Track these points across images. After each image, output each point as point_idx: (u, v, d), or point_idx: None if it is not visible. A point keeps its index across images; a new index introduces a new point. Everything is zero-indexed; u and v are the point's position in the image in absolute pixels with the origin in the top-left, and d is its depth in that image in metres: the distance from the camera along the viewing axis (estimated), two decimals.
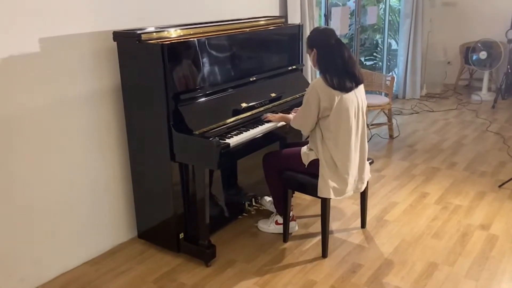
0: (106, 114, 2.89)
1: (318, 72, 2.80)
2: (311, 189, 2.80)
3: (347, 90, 2.67)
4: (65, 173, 2.73)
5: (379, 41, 7.35)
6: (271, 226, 3.20)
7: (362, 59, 7.23)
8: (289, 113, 3.11)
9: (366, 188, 3.04)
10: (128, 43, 2.70)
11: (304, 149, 2.86)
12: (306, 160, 2.80)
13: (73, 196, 2.79)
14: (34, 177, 2.58)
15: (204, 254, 2.84)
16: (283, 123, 3.00)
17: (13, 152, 2.47)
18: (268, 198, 3.41)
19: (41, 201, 2.63)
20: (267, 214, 3.34)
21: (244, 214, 3.37)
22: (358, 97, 2.75)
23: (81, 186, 2.83)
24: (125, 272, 2.81)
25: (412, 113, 5.99)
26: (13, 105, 2.43)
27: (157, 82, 2.62)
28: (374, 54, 7.45)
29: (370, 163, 3.02)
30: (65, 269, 2.82)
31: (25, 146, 2.51)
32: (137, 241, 3.12)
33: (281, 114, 3.04)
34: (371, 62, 7.37)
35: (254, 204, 3.43)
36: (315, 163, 2.76)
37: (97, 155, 2.89)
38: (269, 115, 3.03)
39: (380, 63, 7.24)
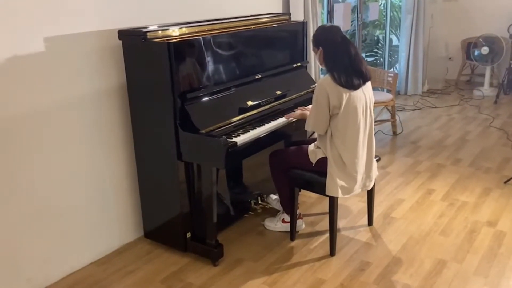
0: (111, 113, 2.87)
1: (321, 69, 2.78)
2: (319, 187, 2.79)
3: (355, 87, 2.65)
4: (70, 173, 2.71)
5: (380, 37, 7.34)
6: (277, 225, 3.18)
7: (363, 55, 7.21)
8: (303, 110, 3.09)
9: (373, 185, 3.03)
10: (134, 42, 2.68)
11: (311, 147, 2.85)
12: (313, 158, 2.79)
13: (79, 196, 2.78)
14: (39, 178, 2.56)
15: (211, 254, 2.82)
16: (293, 119, 2.99)
17: (18, 152, 2.45)
18: (274, 196, 3.40)
19: (47, 201, 2.61)
20: (273, 213, 3.32)
21: (250, 212, 3.36)
22: (365, 94, 2.74)
23: (87, 186, 2.81)
24: (132, 272, 2.80)
25: (415, 109, 5.97)
26: (18, 105, 2.41)
27: (163, 81, 2.60)
28: (375, 50, 7.43)
29: (377, 161, 3.01)
30: (72, 269, 2.80)
31: (30, 146, 2.49)
32: (143, 241, 3.11)
33: (300, 112, 3.01)
34: (372, 58, 7.36)
35: (260, 202, 3.41)
36: (322, 161, 2.75)
37: (103, 155, 2.87)
38: (290, 114, 3.02)
39: (381, 59, 7.23)
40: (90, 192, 2.84)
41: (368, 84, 2.77)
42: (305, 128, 2.81)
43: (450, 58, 7.09)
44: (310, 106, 3.10)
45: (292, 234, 3.07)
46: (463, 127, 5.22)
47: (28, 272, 2.59)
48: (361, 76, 2.67)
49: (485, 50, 6.36)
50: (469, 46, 6.64)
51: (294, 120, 3.00)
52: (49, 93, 2.53)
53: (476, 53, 6.48)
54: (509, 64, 6.29)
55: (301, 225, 3.19)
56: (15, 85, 2.38)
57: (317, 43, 2.76)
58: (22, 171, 2.48)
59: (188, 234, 2.91)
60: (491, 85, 6.67)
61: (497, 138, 4.84)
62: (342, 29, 2.80)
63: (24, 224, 2.52)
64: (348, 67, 2.64)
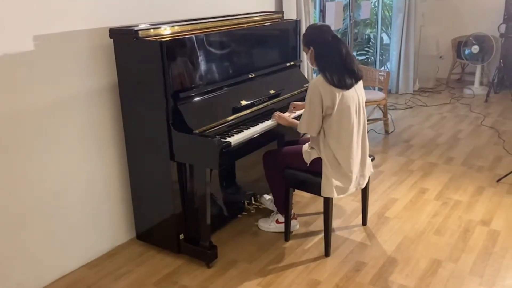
0: (103, 113, 2.82)
1: (314, 69, 2.74)
2: (314, 188, 2.76)
3: (348, 87, 2.62)
4: (61, 174, 2.66)
5: (371, 36, 7.34)
6: (271, 225, 3.15)
7: (354, 53, 7.20)
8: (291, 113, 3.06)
9: (367, 184, 3.02)
10: (125, 40, 2.63)
11: (305, 147, 2.82)
12: (308, 159, 2.76)
13: (69, 197, 2.72)
14: (29, 178, 2.50)
15: (205, 255, 2.79)
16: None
17: (7, 153, 2.39)
18: (268, 197, 3.37)
19: (37, 202, 2.55)
20: (266, 213, 3.29)
21: (243, 213, 3.32)
22: (358, 93, 2.72)
23: (78, 187, 2.76)
24: (125, 275, 2.75)
25: (406, 108, 5.98)
26: (6, 105, 2.34)
27: (155, 80, 2.56)
28: (366, 49, 7.43)
29: (372, 160, 2.99)
30: (63, 272, 2.75)
31: (20, 147, 2.43)
32: (135, 243, 3.06)
33: (289, 120, 2.91)
34: (363, 57, 7.35)
35: (253, 202, 3.38)
36: (317, 162, 2.72)
37: (94, 155, 2.81)
38: (276, 116, 2.95)
39: (372, 57, 7.23)
40: (81, 193, 2.78)
41: (360, 83, 2.75)
42: (298, 130, 2.76)
43: (441, 57, 7.11)
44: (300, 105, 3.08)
45: (287, 234, 3.04)
46: (455, 126, 5.23)
47: (18, 276, 2.53)
48: (353, 75, 2.64)
49: (475, 49, 6.39)
50: (459, 45, 6.66)
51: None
52: (38, 93, 2.47)
53: (466, 51, 6.51)
54: (499, 63, 6.31)
55: (295, 225, 3.16)
56: (3, 85, 2.32)
57: (307, 42, 2.72)
58: (11, 172, 2.42)
59: (181, 236, 2.87)
60: (481, 83, 6.70)
61: (489, 136, 4.86)
62: (334, 28, 2.77)
63: (12, 226, 2.46)
64: (339, 67, 2.61)
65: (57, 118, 2.58)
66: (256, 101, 3.02)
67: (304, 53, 2.81)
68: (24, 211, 2.50)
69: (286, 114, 3.01)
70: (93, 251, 2.91)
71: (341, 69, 2.61)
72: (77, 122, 2.69)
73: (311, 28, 2.78)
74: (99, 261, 2.89)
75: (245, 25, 3.23)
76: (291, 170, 2.85)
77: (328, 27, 2.73)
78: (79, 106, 2.68)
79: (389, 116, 5.16)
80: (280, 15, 3.69)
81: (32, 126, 2.47)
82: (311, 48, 2.69)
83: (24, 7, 2.35)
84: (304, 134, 3.38)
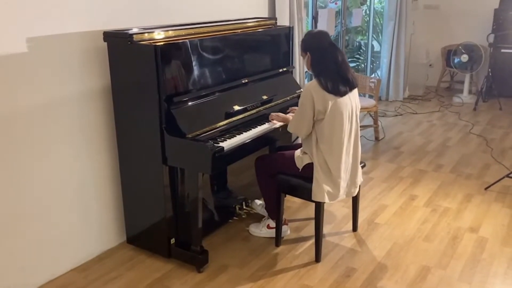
0: (95, 116, 2.81)
1: (306, 74, 2.78)
2: (305, 193, 2.77)
3: (341, 94, 2.65)
4: (51, 177, 2.64)
5: (362, 43, 7.40)
6: (262, 230, 3.16)
7: None
8: (286, 113, 3.09)
9: (358, 191, 3.03)
10: (119, 44, 2.63)
11: (298, 152, 2.83)
12: (300, 164, 2.78)
13: (59, 200, 2.70)
14: (19, 181, 2.48)
15: (196, 260, 2.78)
16: (281, 123, 2.99)
17: None
18: (259, 202, 3.38)
19: (26, 205, 2.53)
20: (257, 218, 3.30)
21: (234, 217, 3.32)
22: (352, 100, 2.74)
23: (68, 190, 2.74)
24: (115, 279, 2.73)
25: (396, 115, 6.03)
26: None
27: (149, 84, 2.56)
28: (356, 56, 7.49)
29: (362, 167, 3.01)
30: (52, 276, 2.72)
31: (10, 148, 2.41)
32: (125, 246, 3.04)
33: (284, 116, 2.99)
34: (354, 64, 7.41)
35: (244, 207, 3.38)
36: (309, 167, 2.74)
37: (86, 157, 2.80)
38: (274, 115, 3.00)
39: (362, 64, 7.28)
40: (71, 196, 2.77)
41: (355, 91, 2.77)
42: (287, 129, 2.81)
43: (430, 65, 7.19)
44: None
45: (277, 240, 3.05)
46: (444, 133, 5.28)
47: (5, 280, 2.50)
48: (347, 83, 2.67)
49: (464, 57, 6.47)
50: (449, 54, 6.74)
51: (278, 126, 2.99)
52: (31, 95, 2.46)
53: (456, 60, 6.59)
54: (487, 72, 6.40)
55: (286, 230, 3.17)
56: None
57: (305, 48, 2.76)
58: (0, 174, 2.40)
59: (172, 240, 2.86)
60: (470, 92, 6.79)
61: (477, 144, 4.92)
62: None
63: (0, 230, 2.44)
64: (334, 74, 2.64)
65: (49, 121, 2.57)
66: (248, 106, 3.03)
67: (301, 58, 2.85)
68: (13, 214, 2.48)
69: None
70: (83, 254, 2.89)
71: (335, 76, 2.64)
72: (68, 125, 2.67)
73: (309, 34, 2.82)
74: (88, 265, 2.87)
75: (239, 30, 3.25)
76: (283, 175, 2.86)
77: (326, 34, 2.77)
78: (71, 109, 2.67)
79: (379, 123, 5.20)
80: (273, 21, 3.71)
81: (22, 129, 2.45)
82: (308, 53, 2.73)
83: (17, 9, 2.34)
84: (296, 139, 3.41)
